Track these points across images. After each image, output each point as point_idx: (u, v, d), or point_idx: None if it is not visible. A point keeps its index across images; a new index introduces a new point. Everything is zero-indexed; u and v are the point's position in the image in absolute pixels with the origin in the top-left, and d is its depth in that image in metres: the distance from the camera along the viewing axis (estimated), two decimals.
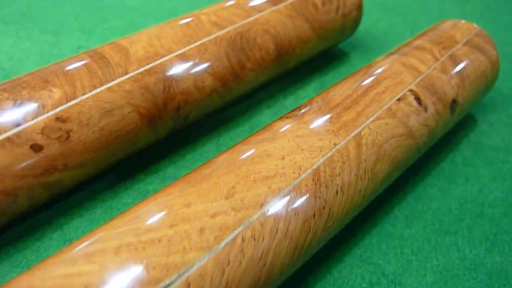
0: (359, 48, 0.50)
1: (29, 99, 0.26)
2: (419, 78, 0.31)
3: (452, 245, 0.31)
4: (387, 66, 0.32)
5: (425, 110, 0.30)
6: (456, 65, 0.34)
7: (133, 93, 0.28)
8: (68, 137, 0.26)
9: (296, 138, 0.25)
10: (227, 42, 0.33)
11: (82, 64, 0.28)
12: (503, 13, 0.60)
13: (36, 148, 0.25)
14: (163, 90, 0.30)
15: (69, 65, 0.28)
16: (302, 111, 0.28)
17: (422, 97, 0.30)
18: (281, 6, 0.37)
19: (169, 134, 0.33)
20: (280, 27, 0.36)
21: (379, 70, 0.31)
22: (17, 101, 0.25)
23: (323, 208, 0.24)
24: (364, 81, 0.30)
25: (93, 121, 0.27)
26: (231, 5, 0.36)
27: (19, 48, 0.46)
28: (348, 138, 0.26)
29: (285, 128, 0.26)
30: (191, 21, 0.33)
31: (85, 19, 0.51)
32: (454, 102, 0.33)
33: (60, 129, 0.26)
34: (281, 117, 0.28)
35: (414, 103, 0.30)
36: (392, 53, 0.34)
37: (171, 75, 0.30)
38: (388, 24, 0.55)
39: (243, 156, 0.24)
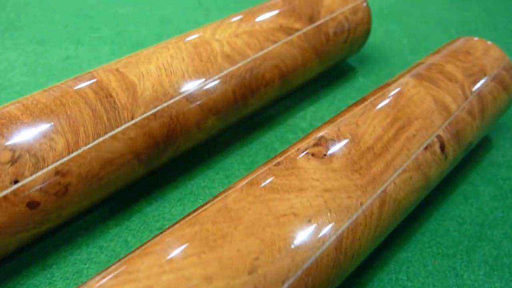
0: (356, 58, 0.48)
1: (29, 150, 0.23)
2: (447, 122, 0.30)
3: (450, 270, 0.29)
4: (418, 97, 0.30)
5: (446, 158, 0.29)
6: (482, 106, 0.32)
7: (137, 140, 0.26)
8: (66, 191, 0.24)
9: (324, 194, 0.24)
10: (237, 79, 0.31)
11: (87, 104, 0.26)
12: (503, 20, 0.58)
13: (33, 205, 0.23)
14: (166, 135, 0.28)
15: (72, 101, 0.25)
16: (330, 150, 0.26)
17: (446, 145, 0.29)
18: (294, 36, 0.35)
19: (162, 167, 0.31)
20: (289, 61, 0.34)
21: (410, 101, 0.30)
22: (16, 152, 0.23)
23: (337, 276, 0.23)
24: (395, 115, 0.29)
25: (92, 173, 0.25)
26: (245, 31, 0.33)
27: (5, 58, 0.43)
28: (374, 196, 0.25)
29: (312, 173, 0.24)
30: (203, 49, 0.31)
31: (74, 28, 0.49)
32: (469, 144, 0.32)
33: (59, 183, 0.23)
34: (305, 150, 0.26)
35: (438, 151, 0.29)
36: (420, 73, 0.33)
37: (176, 119, 0.28)
38: (385, 32, 0.53)
39: (268, 210, 0.22)
